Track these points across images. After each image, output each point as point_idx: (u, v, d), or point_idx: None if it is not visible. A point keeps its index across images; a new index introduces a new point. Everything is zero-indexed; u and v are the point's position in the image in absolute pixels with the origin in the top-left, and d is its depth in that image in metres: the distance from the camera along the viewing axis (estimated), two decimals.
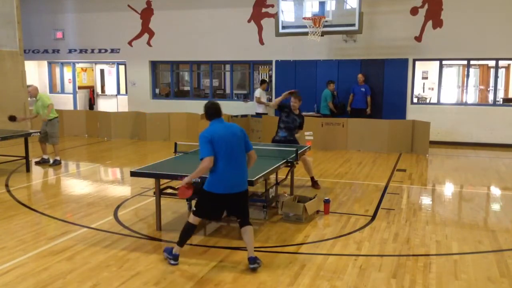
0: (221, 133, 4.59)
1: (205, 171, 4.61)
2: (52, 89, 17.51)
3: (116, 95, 17.37)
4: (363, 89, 12.98)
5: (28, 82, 14.35)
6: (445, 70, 13.94)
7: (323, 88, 13.77)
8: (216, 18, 14.75)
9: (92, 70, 17.89)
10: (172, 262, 4.77)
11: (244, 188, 4.75)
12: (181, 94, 16.18)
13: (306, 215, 6.16)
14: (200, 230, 6.09)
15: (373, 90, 13.13)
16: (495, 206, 7.27)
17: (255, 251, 4.93)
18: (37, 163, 10.03)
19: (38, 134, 9.76)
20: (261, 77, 15.12)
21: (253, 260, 4.66)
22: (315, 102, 13.78)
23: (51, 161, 9.98)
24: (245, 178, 4.78)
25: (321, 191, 7.65)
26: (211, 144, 4.53)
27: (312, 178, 8.06)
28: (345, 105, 13.25)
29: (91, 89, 18.13)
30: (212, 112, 4.72)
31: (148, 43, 15.68)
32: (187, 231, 4.79)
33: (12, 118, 9.81)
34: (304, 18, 11.77)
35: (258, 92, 13.33)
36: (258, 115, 13.20)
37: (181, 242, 4.80)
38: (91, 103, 18.08)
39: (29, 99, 14.33)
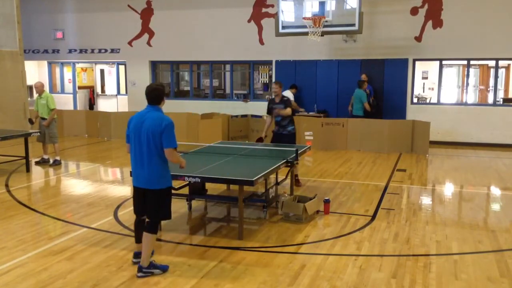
0: (135, 122, 4.49)
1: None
2: (52, 89, 17.50)
3: (116, 95, 17.37)
4: (366, 90, 12.92)
5: (28, 82, 14.36)
6: (445, 70, 13.94)
7: (323, 88, 13.79)
8: (216, 18, 14.75)
9: (92, 70, 17.89)
10: (134, 260, 4.78)
11: (148, 187, 4.44)
12: (181, 94, 16.19)
13: (306, 215, 6.16)
14: (200, 230, 6.11)
15: (374, 90, 13.12)
16: (495, 206, 7.27)
17: (254, 251, 4.93)
18: (37, 163, 10.03)
19: (38, 134, 9.77)
20: (261, 77, 15.13)
21: (140, 268, 4.52)
22: (315, 102, 13.79)
23: (51, 161, 9.98)
24: (147, 176, 4.42)
25: (321, 191, 7.64)
26: (128, 131, 4.57)
27: (295, 176, 8.06)
28: (378, 103, 12.95)
29: (91, 89, 18.13)
30: (149, 97, 4.54)
31: (148, 43, 15.68)
32: (134, 226, 4.85)
33: (30, 121, 10.09)
34: (304, 18, 11.77)
35: (292, 96, 13.09)
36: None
37: (135, 238, 4.84)
38: (91, 103, 18.08)
39: (29, 99, 14.40)
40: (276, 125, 8.14)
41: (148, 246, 4.53)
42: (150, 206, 4.55)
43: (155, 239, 4.66)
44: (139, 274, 4.50)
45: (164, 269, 4.60)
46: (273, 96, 8.27)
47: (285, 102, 8.04)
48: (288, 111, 7.95)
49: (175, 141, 4.41)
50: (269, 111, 8.18)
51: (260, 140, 8.21)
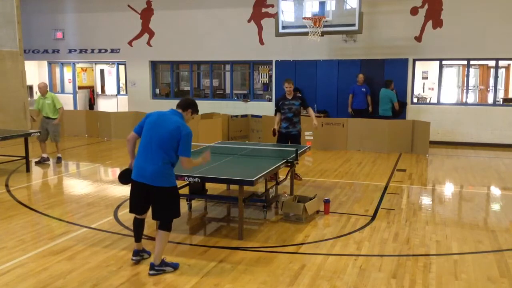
0: (155, 118, 4.58)
1: (127, 144, 4.77)
2: (52, 89, 17.44)
3: (116, 95, 17.37)
4: (363, 89, 12.94)
5: (28, 82, 14.35)
6: (445, 70, 13.94)
7: (323, 88, 13.78)
8: (216, 18, 14.74)
9: (92, 70, 17.89)
10: (133, 258, 4.79)
11: (154, 184, 4.43)
12: (181, 94, 16.17)
13: (306, 215, 6.16)
14: (200, 230, 6.11)
15: (373, 90, 13.11)
16: (495, 206, 7.27)
17: (254, 251, 4.90)
18: (37, 163, 10.03)
19: (38, 134, 9.77)
20: (261, 77, 15.12)
21: (152, 266, 4.54)
22: (315, 102, 13.78)
23: (55, 159, 10.00)
24: (152, 172, 4.42)
25: (321, 191, 7.64)
26: (142, 122, 4.67)
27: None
28: (404, 103, 12.94)
29: (91, 89, 18.13)
30: (179, 102, 4.76)
31: (148, 43, 15.68)
32: (133, 225, 4.83)
33: (32, 119, 10.33)
34: (304, 18, 11.78)
35: None
36: None
37: (134, 237, 4.84)
38: (91, 103, 18.08)
39: (29, 99, 14.40)
40: (287, 122, 8.24)
41: (161, 244, 4.54)
42: (159, 206, 4.54)
43: (168, 237, 4.65)
44: (151, 272, 4.51)
45: (175, 266, 4.62)
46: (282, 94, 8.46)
47: (302, 99, 8.41)
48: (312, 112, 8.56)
49: (190, 151, 4.52)
50: (280, 108, 8.30)
51: (274, 132, 8.34)
